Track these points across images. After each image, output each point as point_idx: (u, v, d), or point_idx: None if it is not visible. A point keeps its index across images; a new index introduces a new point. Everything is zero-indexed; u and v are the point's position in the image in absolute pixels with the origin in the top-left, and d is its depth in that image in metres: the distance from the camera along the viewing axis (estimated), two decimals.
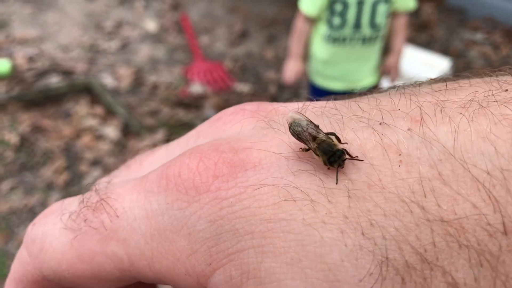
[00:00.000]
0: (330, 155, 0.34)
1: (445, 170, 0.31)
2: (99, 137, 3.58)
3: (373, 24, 2.66)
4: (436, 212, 0.29)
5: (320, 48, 2.85)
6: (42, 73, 4.26)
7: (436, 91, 0.37)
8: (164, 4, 5.51)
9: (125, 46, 4.79)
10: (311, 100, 0.43)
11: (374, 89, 0.41)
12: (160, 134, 3.53)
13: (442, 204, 0.29)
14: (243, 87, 4.30)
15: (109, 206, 0.38)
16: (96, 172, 3.30)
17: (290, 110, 0.41)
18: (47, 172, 3.30)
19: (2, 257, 2.73)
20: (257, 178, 0.34)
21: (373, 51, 2.83)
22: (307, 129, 0.38)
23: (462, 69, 4.34)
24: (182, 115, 3.88)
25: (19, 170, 3.31)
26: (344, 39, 2.71)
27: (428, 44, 4.69)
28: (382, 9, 2.63)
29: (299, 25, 2.84)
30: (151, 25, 5.14)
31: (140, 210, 0.37)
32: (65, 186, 3.20)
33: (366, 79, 2.89)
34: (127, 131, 3.63)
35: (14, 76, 4.18)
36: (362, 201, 0.31)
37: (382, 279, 0.29)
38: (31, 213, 3.01)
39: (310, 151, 0.36)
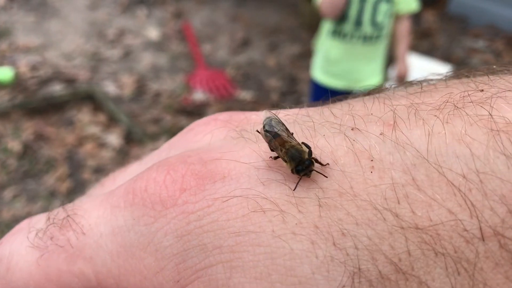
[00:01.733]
0: (298, 163, 0.33)
1: (419, 175, 0.29)
2: (102, 145, 3.58)
3: (374, 23, 2.68)
4: (410, 219, 0.28)
5: (323, 43, 2.88)
6: (45, 81, 4.27)
7: (411, 94, 0.36)
8: (166, 12, 5.54)
9: (127, 54, 4.80)
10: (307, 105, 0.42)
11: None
12: (162, 142, 3.51)
13: (416, 211, 0.28)
14: (245, 95, 4.31)
15: (75, 223, 0.37)
16: (98, 179, 3.30)
17: (262, 118, 0.40)
18: (50, 179, 3.30)
19: None
20: (225, 189, 0.33)
21: (376, 52, 2.84)
22: (279, 130, 0.37)
23: None
24: (185, 122, 3.88)
25: (22, 177, 3.31)
26: (344, 35, 2.73)
27: (430, 51, 4.70)
28: (383, 8, 2.65)
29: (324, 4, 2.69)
30: (153, 33, 5.17)
31: (106, 226, 0.36)
32: (67, 193, 3.20)
33: (369, 80, 2.90)
34: (130, 139, 3.64)
35: (17, 84, 4.19)
36: (333, 210, 0.30)
37: None
38: None
39: (280, 159, 0.35)
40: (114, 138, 3.61)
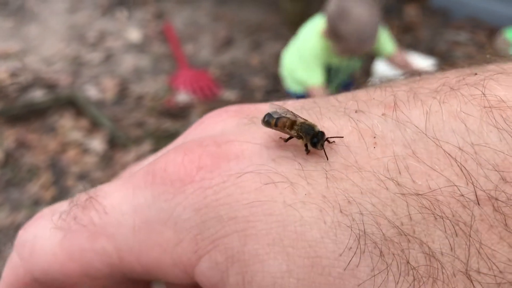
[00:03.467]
0: (312, 136, 0.36)
1: (419, 148, 0.32)
2: (85, 151, 3.54)
3: (349, 75, 2.97)
4: (411, 187, 0.31)
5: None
6: (26, 87, 4.21)
7: (411, 81, 0.39)
8: (147, 13, 5.48)
9: (108, 57, 4.74)
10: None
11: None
12: (146, 145, 3.50)
13: (416, 180, 0.31)
14: (229, 95, 4.28)
15: (98, 203, 0.39)
16: (83, 186, 3.25)
17: (267, 109, 0.43)
18: (34, 187, 3.25)
19: None
20: (239, 167, 0.35)
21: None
22: (285, 114, 0.40)
23: None
24: (169, 125, 3.85)
25: (4, 186, 3.26)
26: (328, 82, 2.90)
27: (413, 45, 4.70)
28: (357, 63, 2.91)
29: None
30: (134, 35, 5.11)
31: (128, 205, 0.38)
32: (52, 201, 3.15)
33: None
34: (113, 143, 3.59)
35: None
36: (339, 182, 0.33)
37: (361, 252, 0.30)
38: (18, 230, 2.96)
39: (291, 139, 0.38)
40: (97, 143, 3.57)
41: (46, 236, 0.40)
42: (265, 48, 4.92)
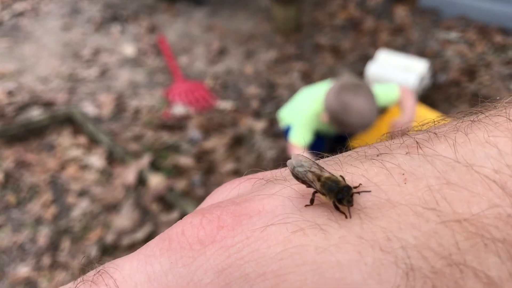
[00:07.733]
0: (337, 192, 0.33)
1: (453, 178, 0.30)
2: (84, 167, 3.56)
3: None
4: (453, 216, 0.29)
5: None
6: (23, 107, 4.23)
7: (426, 129, 0.38)
8: (140, 27, 5.52)
9: (104, 73, 4.78)
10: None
11: None
12: (145, 159, 3.52)
13: (457, 208, 0.29)
14: (225, 104, 4.30)
15: (108, 277, 0.35)
16: (84, 203, 3.27)
17: (285, 174, 0.41)
18: (35, 207, 3.26)
19: None
20: (263, 221, 0.33)
21: None
22: (310, 168, 0.38)
23: (440, 69, 4.38)
24: (167, 137, 3.87)
25: (5, 207, 3.27)
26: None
27: (404, 47, 4.74)
28: None
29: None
30: (129, 49, 5.15)
31: (141, 275, 0.34)
32: (53, 219, 3.17)
33: None
34: (112, 159, 3.61)
35: None
36: (374, 221, 0.31)
37: None
38: (21, 250, 2.98)
39: (317, 194, 0.36)
40: (96, 160, 3.59)
41: None
42: (258, 56, 4.95)
